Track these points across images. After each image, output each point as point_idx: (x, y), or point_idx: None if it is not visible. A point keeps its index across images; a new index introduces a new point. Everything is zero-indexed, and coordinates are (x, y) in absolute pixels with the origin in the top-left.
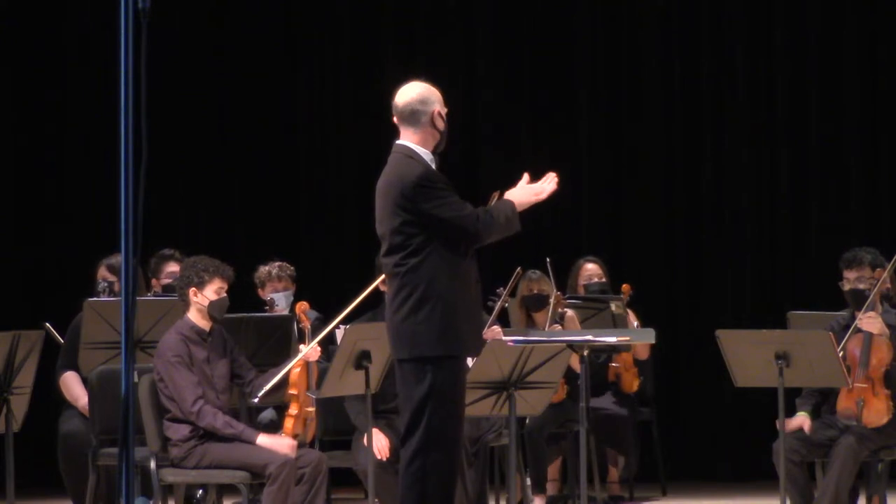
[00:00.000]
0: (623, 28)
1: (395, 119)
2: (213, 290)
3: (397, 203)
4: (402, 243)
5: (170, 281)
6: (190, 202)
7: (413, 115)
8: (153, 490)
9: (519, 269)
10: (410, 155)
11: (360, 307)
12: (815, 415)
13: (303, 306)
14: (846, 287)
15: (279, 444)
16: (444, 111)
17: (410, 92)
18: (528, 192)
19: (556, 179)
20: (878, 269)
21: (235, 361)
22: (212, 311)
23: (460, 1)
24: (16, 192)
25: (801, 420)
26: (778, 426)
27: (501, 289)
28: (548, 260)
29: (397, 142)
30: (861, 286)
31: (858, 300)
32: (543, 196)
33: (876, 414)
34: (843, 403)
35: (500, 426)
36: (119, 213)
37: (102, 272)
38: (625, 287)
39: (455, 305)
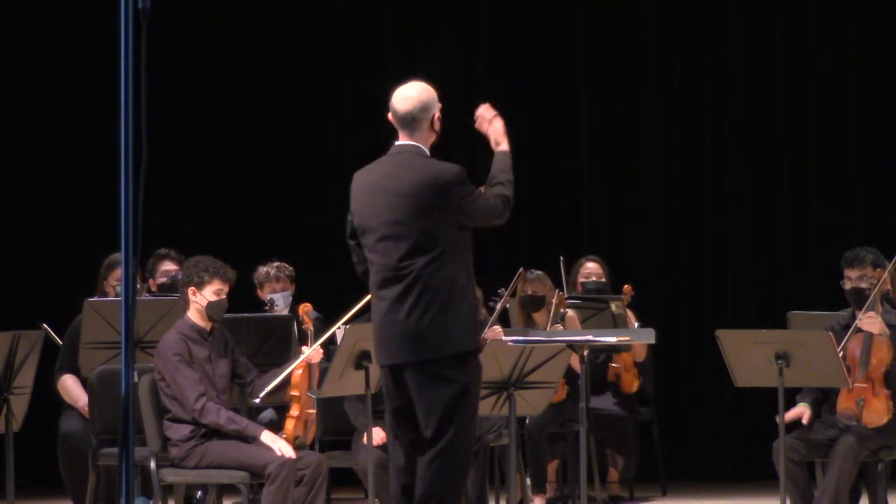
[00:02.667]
0: (623, 28)
1: (390, 118)
2: (212, 291)
3: (432, 202)
4: (429, 245)
5: (165, 280)
6: (190, 202)
7: (414, 122)
8: (153, 490)
9: (521, 269)
10: (424, 154)
11: (362, 308)
12: (814, 407)
13: (306, 308)
14: (848, 286)
15: (281, 445)
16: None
17: (410, 96)
18: (498, 134)
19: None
20: (879, 269)
21: (236, 361)
22: (210, 312)
23: (460, 1)
24: (16, 192)
25: (801, 410)
26: (779, 423)
27: (503, 289)
28: (561, 258)
29: (404, 142)
30: (863, 285)
31: (860, 299)
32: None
33: (876, 414)
34: (843, 403)
35: (500, 426)
36: (119, 213)
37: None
38: (626, 287)
39: (473, 302)
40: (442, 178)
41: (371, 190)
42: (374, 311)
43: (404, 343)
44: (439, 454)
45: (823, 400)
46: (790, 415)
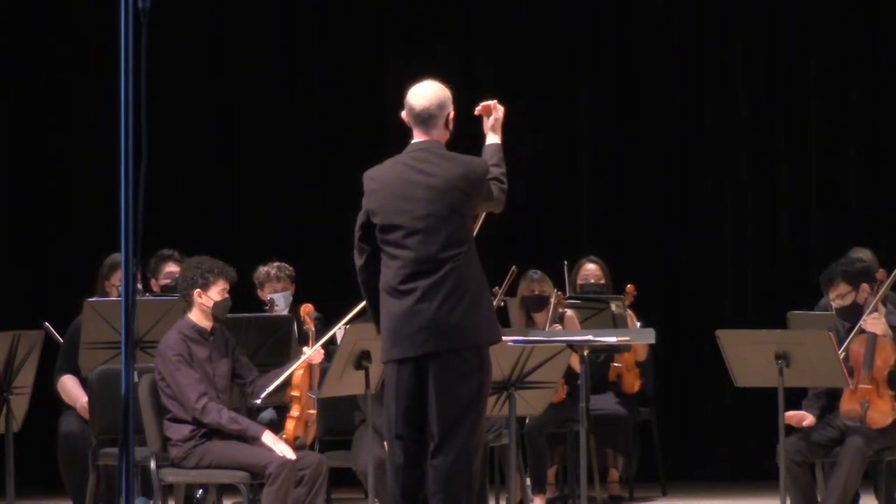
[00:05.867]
0: (623, 28)
1: (405, 116)
2: (217, 291)
3: (468, 195)
4: (462, 237)
5: (168, 281)
6: (190, 202)
7: (431, 119)
8: (153, 490)
9: (514, 268)
10: (444, 149)
11: (363, 308)
12: (819, 419)
13: (307, 308)
14: (836, 305)
15: (282, 448)
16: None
17: (428, 94)
18: (498, 124)
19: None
20: (881, 271)
21: (237, 361)
22: (216, 311)
23: (460, 1)
24: (16, 192)
25: (804, 415)
26: (780, 423)
27: (497, 288)
28: (565, 262)
29: (424, 139)
30: (846, 303)
31: (851, 315)
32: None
33: (881, 415)
34: (847, 405)
35: (500, 426)
36: (119, 213)
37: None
38: (629, 287)
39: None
40: (476, 172)
41: (397, 186)
42: (392, 305)
43: (435, 332)
44: (456, 459)
45: (828, 408)
46: (793, 416)
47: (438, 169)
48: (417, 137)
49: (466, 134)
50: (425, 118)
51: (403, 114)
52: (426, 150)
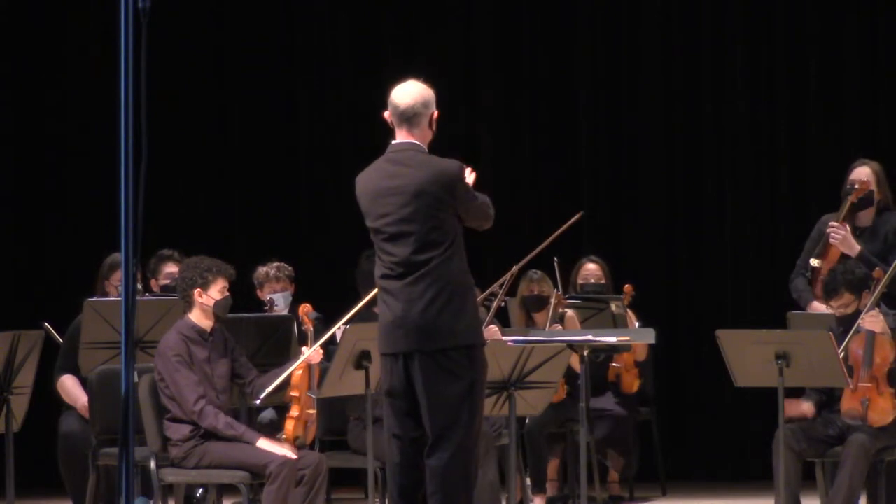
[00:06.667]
0: (623, 28)
1: (388, 116)
2: (217, 290)
3: (439, 198)
4: (439, 239)
5: (168, 281)
6: (190, 202)
7: (415, 118)
8: (153, 490)
9: (515, 268)
10: (424, 151)
11: (362, 308)
12: (817, 408)
13: (305, 308)
14: (838, 315)
15: (279, 450)
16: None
17: (412, 93)
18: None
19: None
20: (878, 269)
21: (236, 361)
22: (217, 310)
23: (460, 1)
24: (16, 192)
25: (804, 403)
26: (779, 411)
27: (498, 287)
28: (555, 259)
29: (402, 140)
30: (849, 311)
31: (852, 321)
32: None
33: (881, 413)
34: (848, 404)
35: (500, 426)
36: (119, 213)
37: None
38: (627, 287)
39: (474, 296)
40: (447, 174)
41: (375, 191)
42: (379, 303)
43: (415, 332)
44: (451, 458)
45: (826, 403)
46: (791, 406)
47: (411, 172)
48: (399, 138)
49: (458, 134)
50: (410, 116)
51: (386, 114)
52: (403, 151)
